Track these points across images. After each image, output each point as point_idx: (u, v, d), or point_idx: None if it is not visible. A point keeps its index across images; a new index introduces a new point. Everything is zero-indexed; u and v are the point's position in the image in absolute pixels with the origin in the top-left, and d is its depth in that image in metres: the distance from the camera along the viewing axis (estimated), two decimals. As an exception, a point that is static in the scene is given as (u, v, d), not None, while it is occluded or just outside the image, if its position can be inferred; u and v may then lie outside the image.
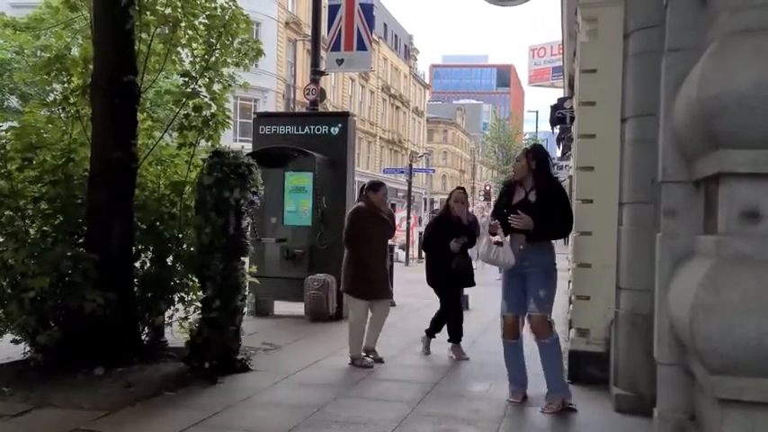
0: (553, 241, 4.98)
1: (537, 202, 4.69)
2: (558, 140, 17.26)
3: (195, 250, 5.83)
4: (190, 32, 6.52)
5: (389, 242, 6.65)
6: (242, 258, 5.77)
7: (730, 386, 2.30)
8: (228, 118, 6.64)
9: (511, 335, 4.87)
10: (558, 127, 15.31)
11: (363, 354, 6.15)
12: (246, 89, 6.92)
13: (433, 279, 6.80)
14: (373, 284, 6.15)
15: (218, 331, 5.48)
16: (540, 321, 4.68)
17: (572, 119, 10.69)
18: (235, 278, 5.59)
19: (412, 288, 6.49)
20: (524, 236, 4.69)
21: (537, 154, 4.85)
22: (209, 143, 6.49)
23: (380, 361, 6.18)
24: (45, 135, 6.02)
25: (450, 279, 6.62)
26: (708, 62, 2.46)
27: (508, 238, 4.74)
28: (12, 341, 5.63)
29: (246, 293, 6.00)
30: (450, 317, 6.67)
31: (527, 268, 4.70)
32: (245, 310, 6.17)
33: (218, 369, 5.40)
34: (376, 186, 6.35)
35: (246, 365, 5.67)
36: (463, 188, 7.23)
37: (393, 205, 6.59)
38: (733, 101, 2.32)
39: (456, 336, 6.63)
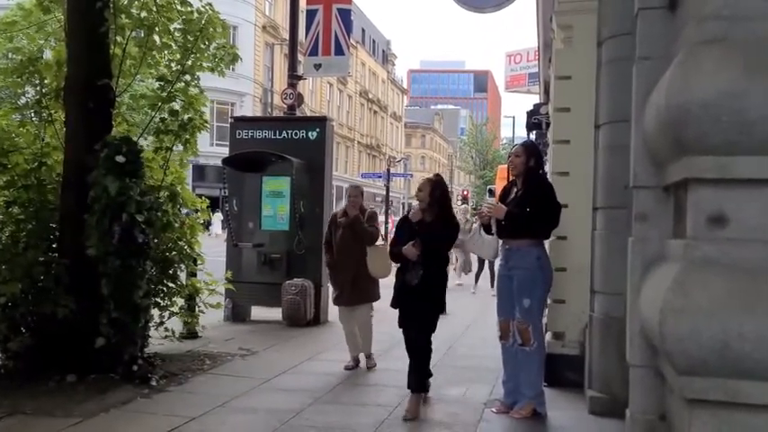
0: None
1: (522, 197, 4.70)
2: (535, 146, 17.41)
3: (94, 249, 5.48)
4: (163, 38, 6.46)
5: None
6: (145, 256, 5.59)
7: (697, 387, 2.35)
8: (205, 122, 6.61)
9: (504, 337, 4.87)
10: (533, 132, 15.49)
11: (351, 361, 6.19)
12: (206, 104, 6.86)
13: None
14: (336, 290, 6.23)
15: (122, 331, 5.35)
16: (523, 329, 4.67)
17: (548, 125, 10.82)
18: (132, 276, 5.40)
19: (387, 293, 6.51)
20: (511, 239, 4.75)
21: (535, 151, 4.89)
22: (186, 147, 6.46)
23: (370, 367, 6.17)
24: (17, 139, 5.94)
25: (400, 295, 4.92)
26: (675, 71, 2.52)
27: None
28: (-18, 348, 5.55)
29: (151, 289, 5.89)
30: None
31: (511, 270, 4.74)
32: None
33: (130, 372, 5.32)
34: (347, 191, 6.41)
35: (146, 372, 5.42)
36: (438, 175, 5.35)
37: (364, 210, 6.42)
38: (699, 109, 2.37)
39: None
